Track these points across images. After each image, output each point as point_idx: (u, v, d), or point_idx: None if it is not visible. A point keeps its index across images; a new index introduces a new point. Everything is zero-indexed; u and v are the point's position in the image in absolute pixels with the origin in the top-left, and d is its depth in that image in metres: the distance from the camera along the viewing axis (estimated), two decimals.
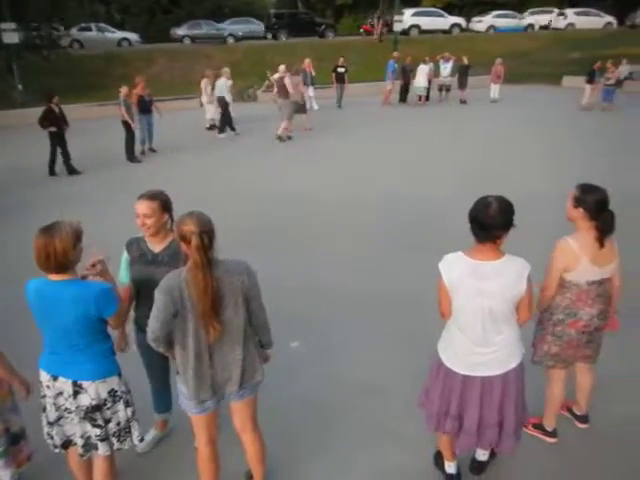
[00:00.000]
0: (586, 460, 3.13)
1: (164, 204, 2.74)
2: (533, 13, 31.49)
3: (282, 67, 12.58)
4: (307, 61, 14.74)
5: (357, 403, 3.64)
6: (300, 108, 12.78)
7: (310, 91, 16.28)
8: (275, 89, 12.84)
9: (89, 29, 25.25)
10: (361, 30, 31.04)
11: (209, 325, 2.33)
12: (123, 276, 2.94)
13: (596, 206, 2.73)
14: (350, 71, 17.45)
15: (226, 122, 13.01)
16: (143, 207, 2.69)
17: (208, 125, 13.96)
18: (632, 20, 29.37)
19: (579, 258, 2.75)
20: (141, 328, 2.77)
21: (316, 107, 16.13)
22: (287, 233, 6.64)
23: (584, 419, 3.38)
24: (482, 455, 2.97)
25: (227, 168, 10.07)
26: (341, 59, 16.67)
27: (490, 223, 2.36)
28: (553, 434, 3.26)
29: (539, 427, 3.28)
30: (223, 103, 12.80)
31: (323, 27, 29.31)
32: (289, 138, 12.34)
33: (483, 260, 2.43)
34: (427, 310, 4.21)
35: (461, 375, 2.59)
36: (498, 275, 2.41)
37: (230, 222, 6.55)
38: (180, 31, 26.72)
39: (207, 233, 2.27)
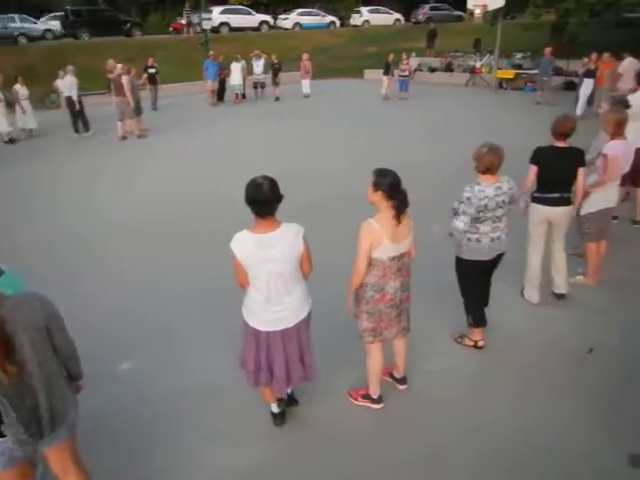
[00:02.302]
0: (409, 418, 3.53)
1: None
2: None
3: (119, 66, 12.42)
4: (110, 62, 13.92)
5: (194, 410, 3.65)
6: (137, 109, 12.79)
7: None
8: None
9: None
10: (170, 28, 30.16)
11: (1, 370, 2.06)
12: None
13: (390, 187, 3.08)
14: (163, 71, 16.97)
15: (78, 121, 12.80)
16: None
17: (7, 138, 12.44)
18: (415, 17, 33.09)
19: (381, 237, 3.09)
20: None
21: None
22: (110, 240, 6.43)
23: (403, 381, 3.80)
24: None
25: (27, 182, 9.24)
26: (150, 59, 16.10)
27: (266, 199, 2.77)
28: (379, 400, 3.59)
29: (366, 397, 3.62)
30: (71, 102, 12.46)
31: (129, 25, 27.82)
32: (144, 136, 12.63)
33: (266, 232, 2.83)
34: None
35: (265, 332, 3.01)
36: (280, 242, 2.84)
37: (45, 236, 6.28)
38: None
39: None
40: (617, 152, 4.66)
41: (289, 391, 3.54)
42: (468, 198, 3.70)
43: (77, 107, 12.64)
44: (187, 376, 4.02)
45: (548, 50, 15.68)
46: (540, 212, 4.54)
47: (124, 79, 12.04)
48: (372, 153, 9.87)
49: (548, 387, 3.80)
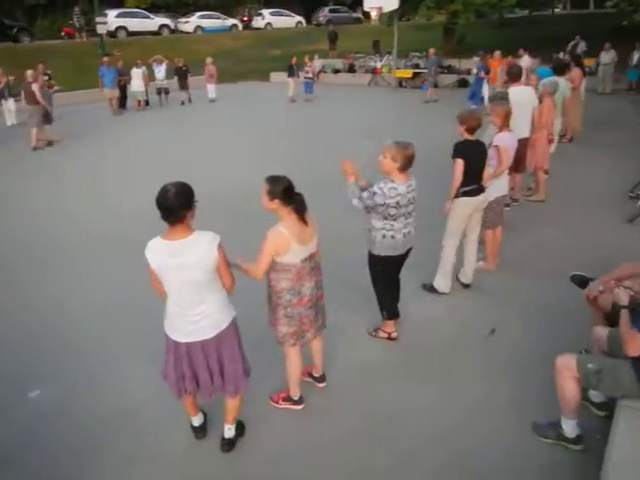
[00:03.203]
0: (330, 416, 3.59)
1: None
2: None
3: (30, 72, 12.04)
4: None
5: (112, 433, 3.50)
6: (46, 117, 12.23)
7: (10, 104, 14.46)
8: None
9: None
10: (62, 33, 28.52)
11: None
12: None
13: (285, 193, 3.09)
14: (58, 78, 15.99)
15: None
16: None
17: None
18: (316, 19, 33.65)
19: (289, 242, 3.11)
20: None
21: (16, 122, 14.40)
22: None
23: (322, 379, 3.86)
24: (228, 431, 3.31)
25: None
26: (41, 66, 15.04)
27: (172, 206, 2.69)
28: (299, 401, 3.62)
29: (288, 399, 3.64)
30: None
31: (15, 30, 25.98)
32: (46, 146, 12.10)
33: (177, 239, 2.77)
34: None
35: (184, 344, 2.96)
36: (191, 249, 2.77)
37: None
38: None
39: None
40: (507, 143, 5.06)
41: (226, 434, 3.33)
42: (374, 193, 3.77)
43: None
44: (107, 396, 3.84)
45: (432, 51, 17.00)
46: (468, 205, 4.71)
47: (34, 86, 11.70)
48: (279, 156, 9.88)
49: (459, 370, 4.03)
